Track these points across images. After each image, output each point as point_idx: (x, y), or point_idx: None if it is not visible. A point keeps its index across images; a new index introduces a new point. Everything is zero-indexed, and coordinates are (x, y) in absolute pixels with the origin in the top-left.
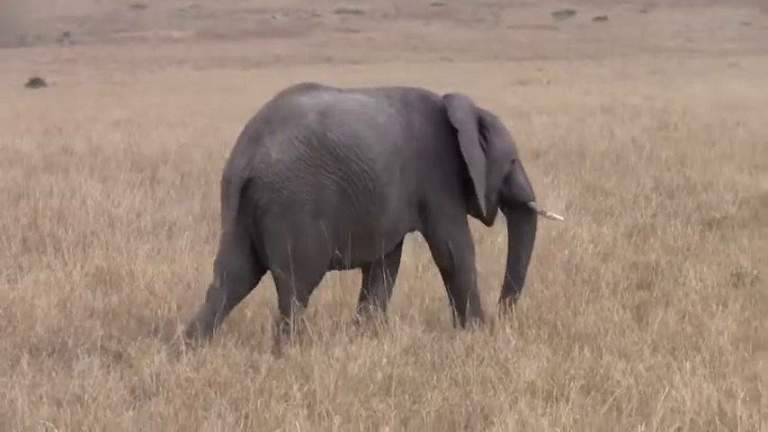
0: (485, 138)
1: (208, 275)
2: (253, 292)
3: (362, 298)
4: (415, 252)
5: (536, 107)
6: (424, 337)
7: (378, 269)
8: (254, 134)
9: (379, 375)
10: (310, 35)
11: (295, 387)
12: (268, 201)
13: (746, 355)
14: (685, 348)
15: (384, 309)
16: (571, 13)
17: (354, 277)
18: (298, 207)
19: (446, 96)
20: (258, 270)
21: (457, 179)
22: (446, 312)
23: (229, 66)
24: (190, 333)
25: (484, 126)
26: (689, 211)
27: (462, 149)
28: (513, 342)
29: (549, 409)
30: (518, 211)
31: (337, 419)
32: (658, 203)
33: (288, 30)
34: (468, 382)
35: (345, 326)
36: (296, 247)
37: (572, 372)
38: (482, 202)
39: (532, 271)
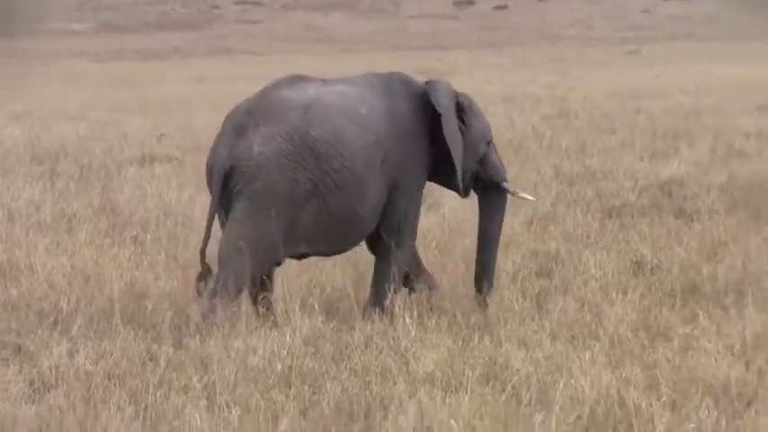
0: (462, 120)
1: (107, 268)
2: (151, 284)
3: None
4: None
5: None
6: (324, 327)
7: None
8: (238, 126)
9: (279, 366)
10: (210, 27)
11: (194, 379)
12: (241, 187)
13: (646, 343)
14: (585, 337)
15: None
16: (471, 2)
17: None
18: (267, 198)
19: (428, 82)
20: None
21: (430, 162)
22: (345, 303)
23: (129, 58)
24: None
25: (461, 109)
26: (589, 199)
27: (445, 133)
28: (413, 332)
29: (448, 399)
30: (491, 190)
31: (237, 411)
32: (558, 192)
33: (187, 22)
34: (368, 373)
35: (245, 317)
36: (250, 235)
37: (471, 361)
38: (460, 182)
39: (436, 261)
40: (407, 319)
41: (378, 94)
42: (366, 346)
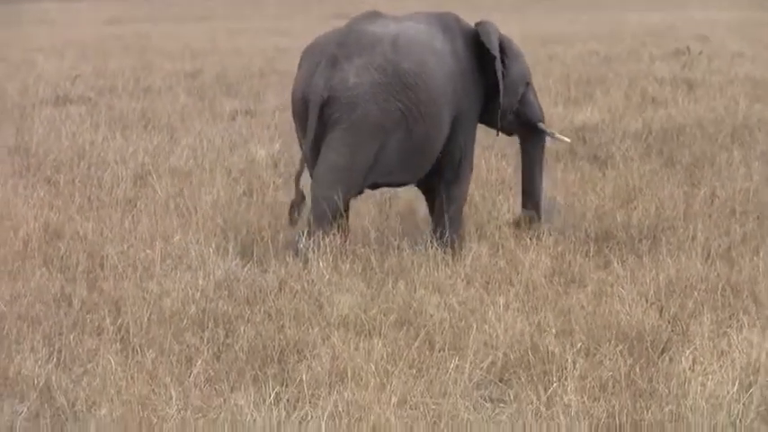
0: (503, 62)
1: (21, 209)
2: (65, 225)
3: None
4: (230, 185)
5: None
6: (238, 270)
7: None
8: (332, 58)
9: (193, 309)
10: None
11: (108, 321)
12: (339, 117)
13: (560, 289)
14: (499, 282)
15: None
16: None
17: (167, 208)
18: (363, 127)
19: (479, 24)
20: None
21: (481, 100)
22: (260, 246)
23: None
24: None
25: (503, 51)
26: (503, 144)
27: (498, 73)
28: (327, 276)
29: (362, 344)
30: (529, 130)
31: (150, 354)
32: None
33: None
34: (282, 316)
35: (160, 259)
36: (347, 161)
37: (385, 306)
38: (499, 119)
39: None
40: (321, 263)
41: (440, 32)
42: (280, 290)
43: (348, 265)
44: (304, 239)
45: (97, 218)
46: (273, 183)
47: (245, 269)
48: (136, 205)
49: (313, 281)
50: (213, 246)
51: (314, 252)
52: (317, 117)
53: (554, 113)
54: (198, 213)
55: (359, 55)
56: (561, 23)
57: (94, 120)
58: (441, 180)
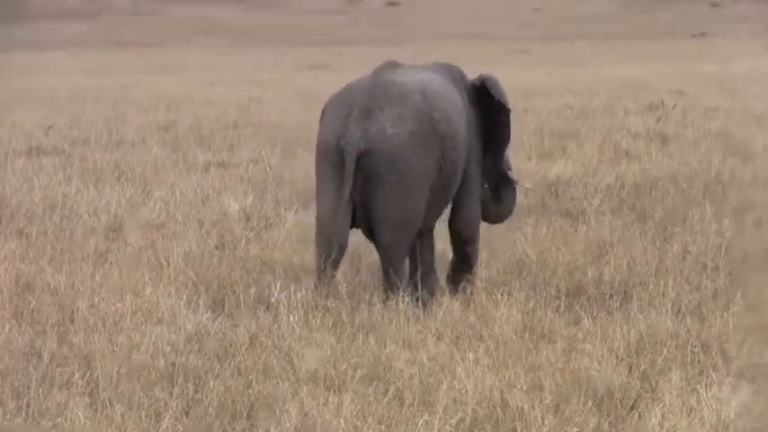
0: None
1: None
2: (36, 277)
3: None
4: (202, 238)
5: (328, 92)
6: (209, 324)
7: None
8: (364, 109)
9: (162, 363)
10: (101, 17)
11: (77, 375)
12: (384, 171)
13: (530, 344)
14: (469, 338)
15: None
16: None
17: (139, 260)
18: (409, 177)
19: (486, 78)
20: None
21: (482, 150)
22: (232, 300)
23: (21, 48)
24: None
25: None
26: None
27: (505, 127)
28: (298, 330)
29: (331, 399)
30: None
31: (119, 408)
32: None
33: (78, 12)
34: (252, 371)
35: (130, 313)
36: (406, 213)
37: (355, 360)
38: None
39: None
40: (292, 318)
41: (451, 83)
42: (251, 344)
43: (319, 320)
44: (276, 293)
45: (68, 270)
46: (245, 236)
47: (216, 323)
48: (107, 258)
49: (283, 335)
50: (184, 299)
51: (284, 306)
52: (353, 170)
53: (527, 167)
54: (169, 266)
55: (391, 105)
56: (537, 76)
57: (68, 171)
58: (454, 238)
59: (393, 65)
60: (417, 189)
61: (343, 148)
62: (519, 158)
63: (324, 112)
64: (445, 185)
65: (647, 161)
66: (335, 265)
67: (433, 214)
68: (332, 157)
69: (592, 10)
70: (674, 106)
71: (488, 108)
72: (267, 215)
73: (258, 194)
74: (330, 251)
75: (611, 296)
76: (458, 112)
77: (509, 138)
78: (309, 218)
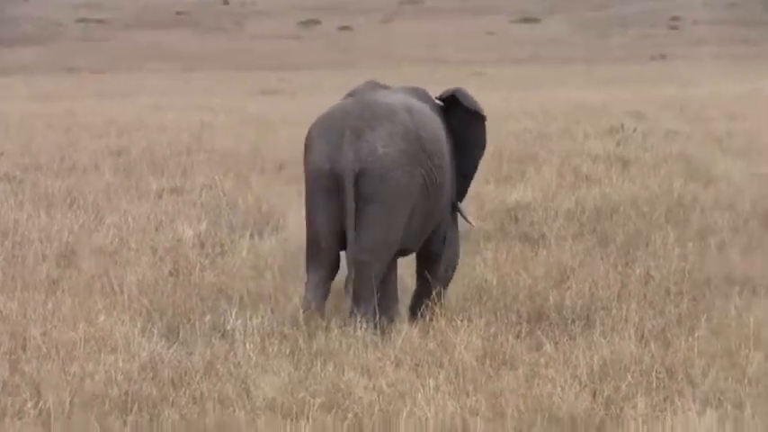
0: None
1: None
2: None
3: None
4: (156, 265)
5: (281, 117)
6: (163, 352)
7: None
8: (355, 130)
9: (116, 392)
10: (52, 43)
11: (29, 404)
12: (372, 192)
13: (491, 371)
14: (429, 364)
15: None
16: (316, 22)
17: (92, 288)
18: (397, 196)
19: (456, 90)
20: None
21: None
22: (187, 327)
23: None
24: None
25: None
26: None
27: (480, 138)
28: (254, 358)
29: (289, 427)
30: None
31: None
32: None
33: (30, 38)
34: (208, 400)
35: (83, 341)
36: (387, 233)
37: (313, 388)
38: (470, 183)
39: (277, 286)
40: (248, 345)
41: (425, 103)
42: (206, 372)
43: (275, 347)
44: (231, 320)
45: (20, 298)
46: (200, 263)
47: (171, 351)
48: (60, 285)
49: (240, 363)
50: (138, 327)
51: (240, 333)
52: (353, 189)
53: (485, 192)
54: (123, 294)
55: (380, 124)
56: (494, 100)
57: (19, 197)
58: (427, 261)
59: (373, 86)
60: (402, 208)
61: (339, 171)
62: (477, 183)
63: (310, 138)
64: (432, 209)
65: (607, 185)
66: (330, 282)
67: (415, 237)
68: (324, 182)
69: (547, 33)
70: (635, 129)
71: (460, 124)
72: (222, 241)
73: (212, 220)
74: (331, 272)
75: (574, 321)
76: (441, 131)
77: (483, 148)
78: (265, 244)
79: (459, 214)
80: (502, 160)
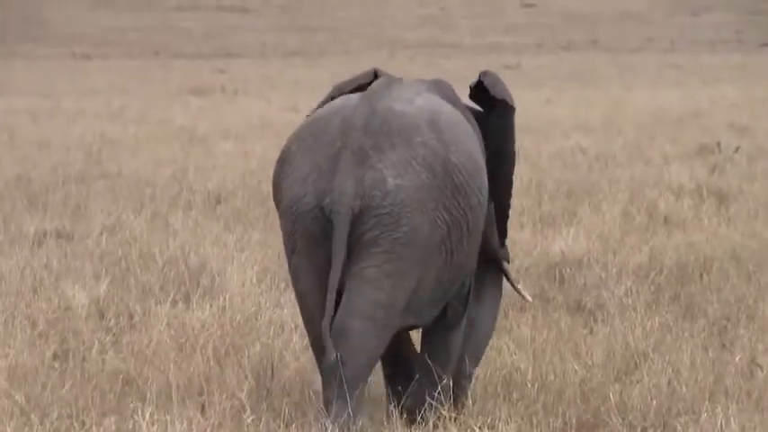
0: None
1: None
2: None
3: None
4: (34, 345)
5: (217, 129)
6: None
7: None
8: (358, 151)
9: None
10: None
11: None
12: (378, 235)
13: None
14: None
15: None
16: None
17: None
18: (410, 248)
19: (484, 75)
20: None
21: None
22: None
23: None
24: None
25: None
26: None
27: (508, 139)
28: None
29: None
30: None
31: None
32: None
33: None
34: None
35: None
36: (392, 296)
37: None
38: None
39: (212, 374)
40: None
41: (453, 105)
42: None
43: None
44: (144, 425)
45: None
46: (98, 341)
47: None
48: None
49: None
50: None
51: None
52: (346, 235)
53: (519, 240)
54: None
55: (392, 145)
56: (532, 104)
57: None
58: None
59: (389, 81)
60: (414, 268)
61: (326, 207)
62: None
63: (287, 153)
64: (458, 262)
65: (696, 231)
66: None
67: (426, 306)
68: (308, 225)
69: (612, 6)
70: (737, 149)
71: (488, 123)
72: (130, 310)
73: (116, 280)
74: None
75: (645, 430)
76: (479, 153)
77: (514, 156)
78: (193, 315)
79: (503, 276)
80: (542, 193)
